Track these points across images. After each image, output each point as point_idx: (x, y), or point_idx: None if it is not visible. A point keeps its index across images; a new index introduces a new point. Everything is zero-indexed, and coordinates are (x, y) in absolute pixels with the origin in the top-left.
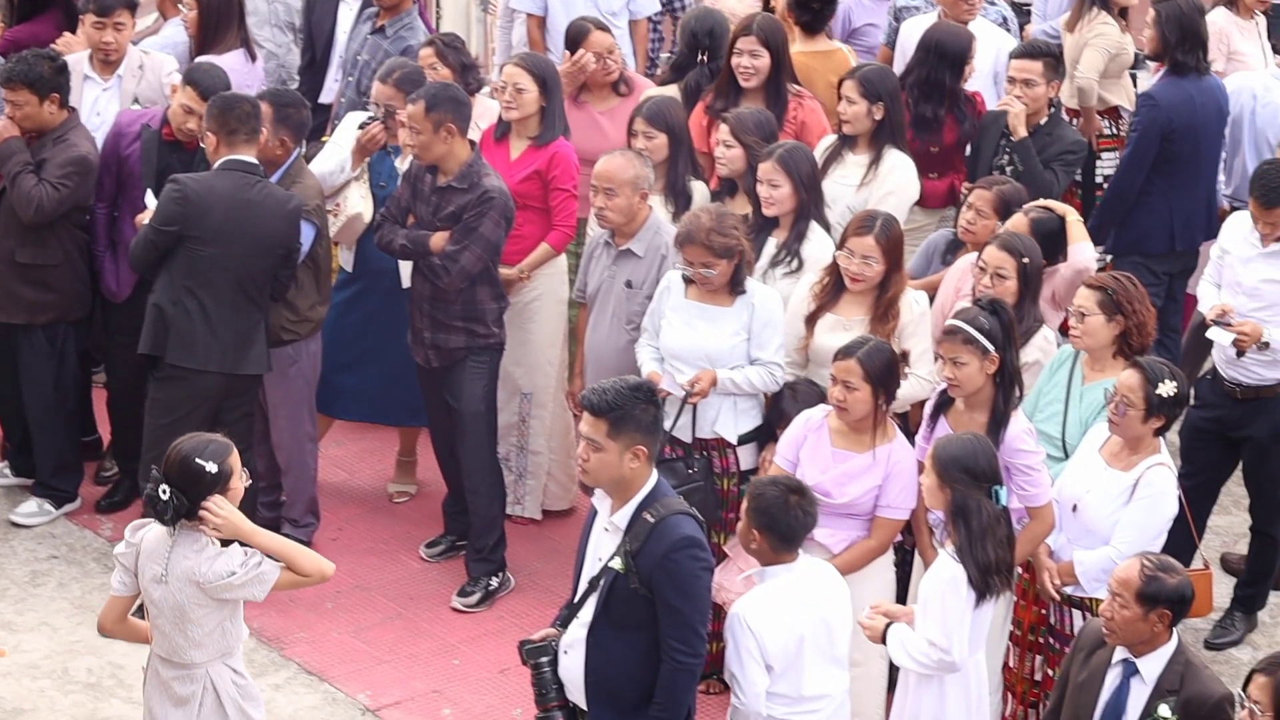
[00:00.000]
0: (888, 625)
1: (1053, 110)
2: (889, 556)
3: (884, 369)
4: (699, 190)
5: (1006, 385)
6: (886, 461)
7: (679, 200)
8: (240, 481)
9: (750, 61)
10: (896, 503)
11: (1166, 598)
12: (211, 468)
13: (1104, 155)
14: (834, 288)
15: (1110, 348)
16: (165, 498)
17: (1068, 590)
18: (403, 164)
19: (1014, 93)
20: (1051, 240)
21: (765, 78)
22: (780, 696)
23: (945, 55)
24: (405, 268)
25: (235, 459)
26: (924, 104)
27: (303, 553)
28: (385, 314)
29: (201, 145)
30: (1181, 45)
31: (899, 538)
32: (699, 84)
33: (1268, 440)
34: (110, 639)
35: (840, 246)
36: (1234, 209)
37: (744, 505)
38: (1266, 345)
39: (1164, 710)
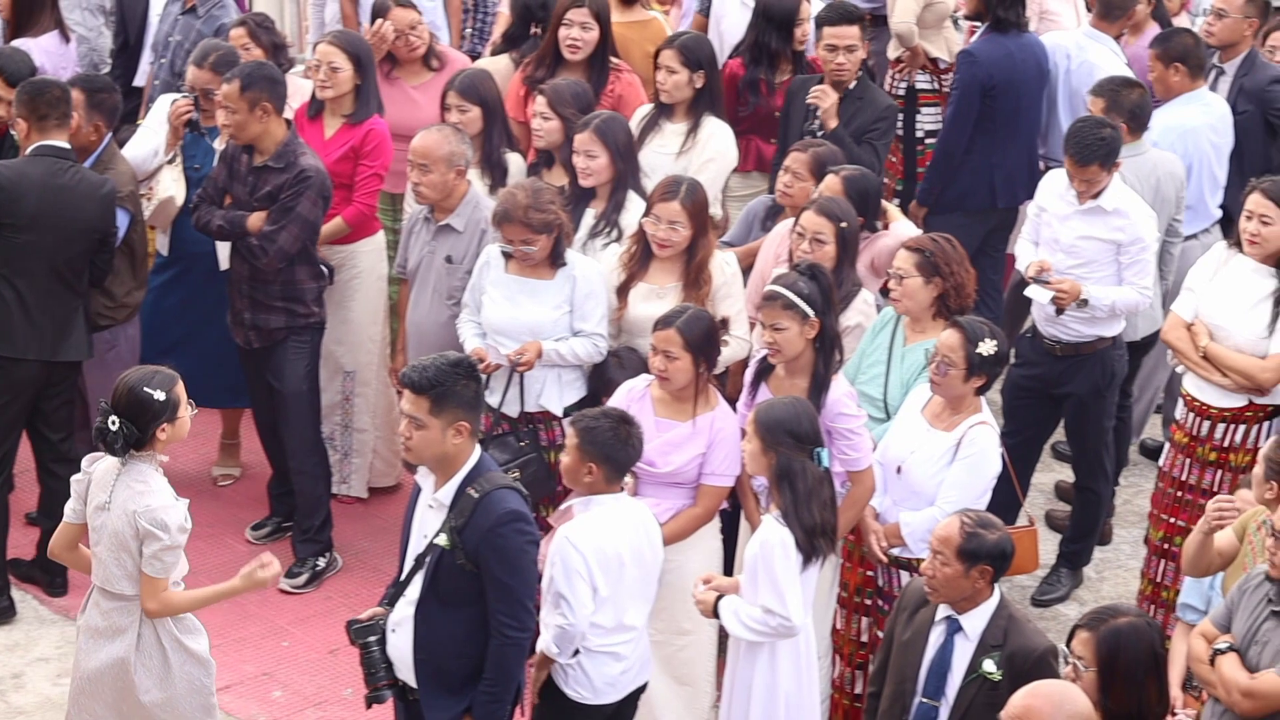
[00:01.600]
0: (718, 598)
1: (860, 74)
2: (715, 524)
3: (704, 337)
4: (515, 162)
5: (827, 350)
6: (709, 429)
7: (495, 173)
8: (187, 411)
9: (580, 34)
10: (721, 470)
11: (987, 554)
12: (159, 395)
13: (924, 110)
14: (642, 256)
15: (930, 309)
16: (115, 428)
17: (894, 552)
18: (221, 145)
19: (834, 61)
20: (865, 199)
21: (592, 51)
22: (597, 626)
23: (772, 19)
24: (223, 249)
25: (181, 389)
26: (754, 68)
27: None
28: (204, 296)
29: (12, 132)
30: (1002, 2)
31: (724, 505)
32: (526, 54)
33: (1088, 396)
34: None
35: (646, 213)
36: (1049, 168)
37: (570, 441)
38: (1085, 302)
39: (988, 666)
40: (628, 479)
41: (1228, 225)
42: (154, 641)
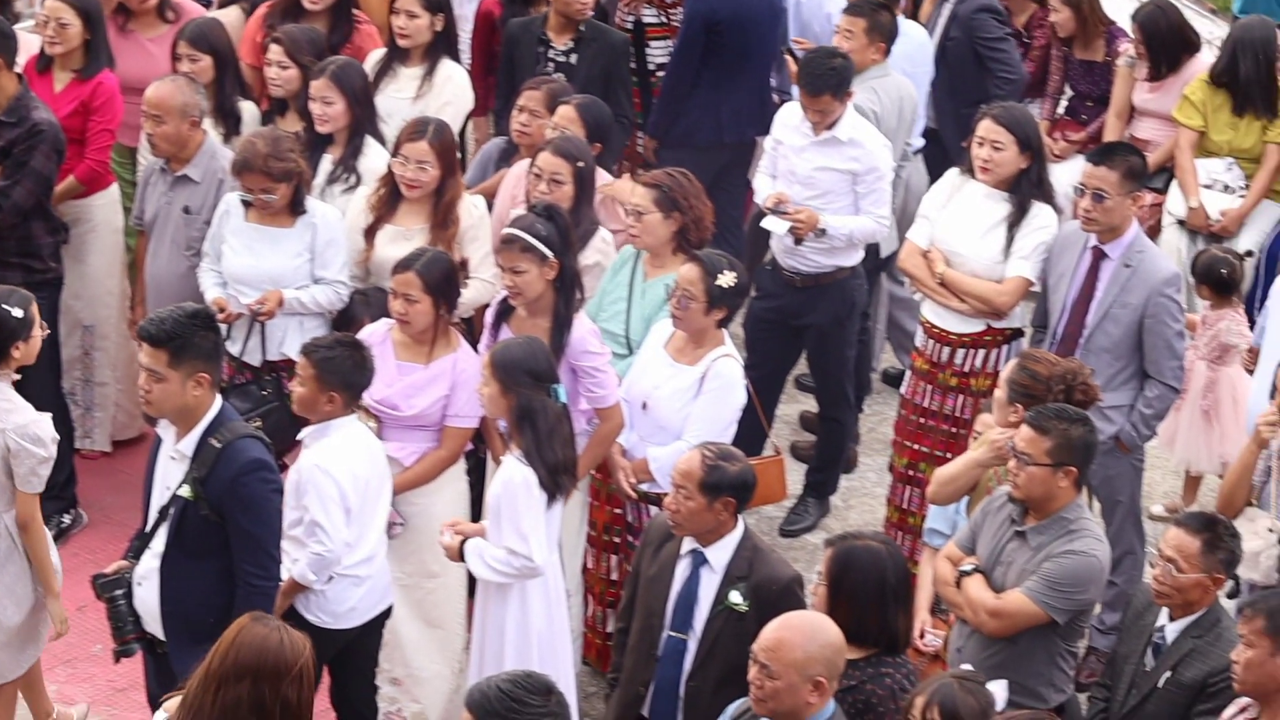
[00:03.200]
0: (463, 541)
1: (592, 14)
2: (461, 466)
3: (443, 279)
4: (248, 110)
5: (567, 289)
6: (452, 371)
7: (228, 121)
8: (39, 332)
9: None
10: (464, 411)
11: (729, 486)
12: (17, 313)
13: (652, 43)
14: (390, 198)
15: (669, 244)
16: None
17: (643, 487)
18: None
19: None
20: (601, 126)
21: (333, 1)
22: (349, 547)
23: None
24: None
25: (35, 308)
26: (511, 6)
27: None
28: None
29: None
30: None
31: (469, 446)
32: (256, 6)
33: (829, 327)
34: None
35: (394, 154)
36: (783, 102)
37: (306, 372)
38: (824, 232)
39: (735, 597)
40: (371, 423)
41: (932, 154)
42: (8, 549)
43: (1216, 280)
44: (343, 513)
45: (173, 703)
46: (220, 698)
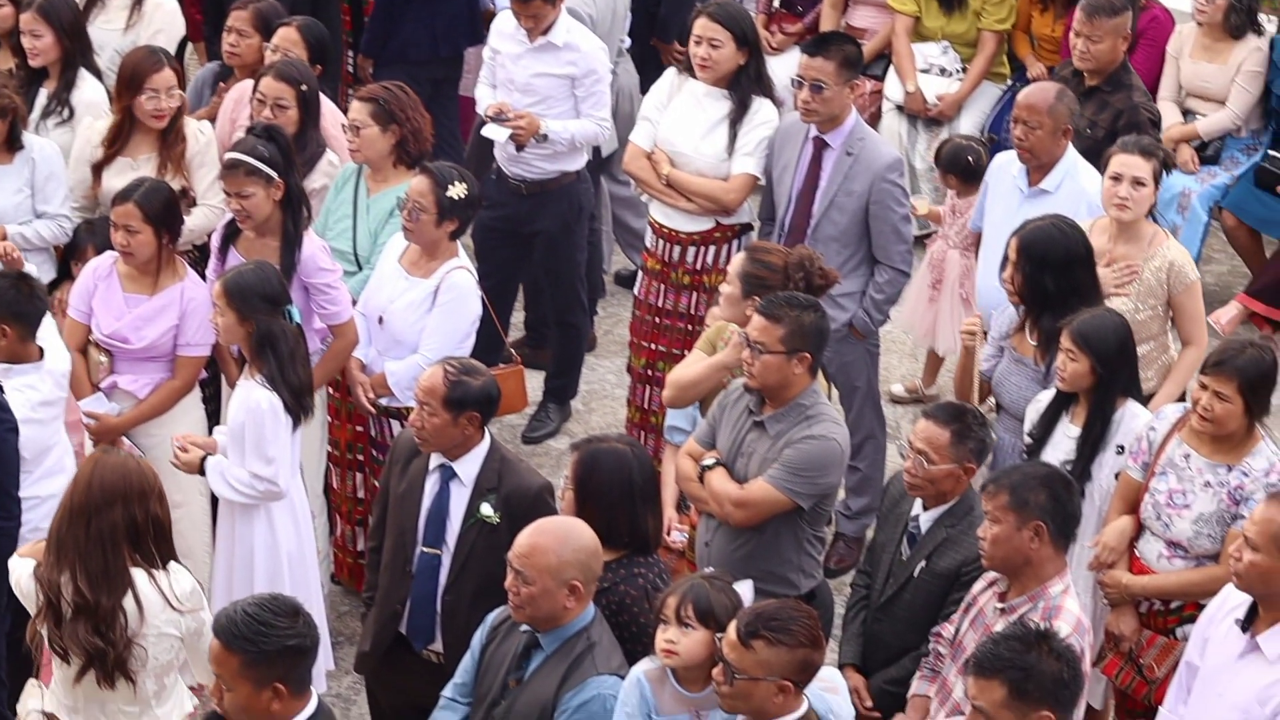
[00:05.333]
0: (203, 457)
1: None
2: (196, 394)
3: (163, 208)
4: None
5: (294, 208)
6: (180, 300)
7: None
8: None
9: None
10: (196, 340)
11: (474, 399)
12: None
13: None
14: (125, 131)
15: (389, 157)
16: None
17: (383, 402)
18: None
19: None
20: (323, 45)
21: None
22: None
23: None
24: None
25: None
26: None
27: None
28: None
29: None
30: None
31: (203, 374)
32: None
33: (558, 232)
34: None
35: (139, 89)
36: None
37: None
38: (545, 138)
39: (486, 509)
40: (102, 358)
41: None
42: None
43: (963, 168)
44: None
45: (31, 549)
46: (93, 528)
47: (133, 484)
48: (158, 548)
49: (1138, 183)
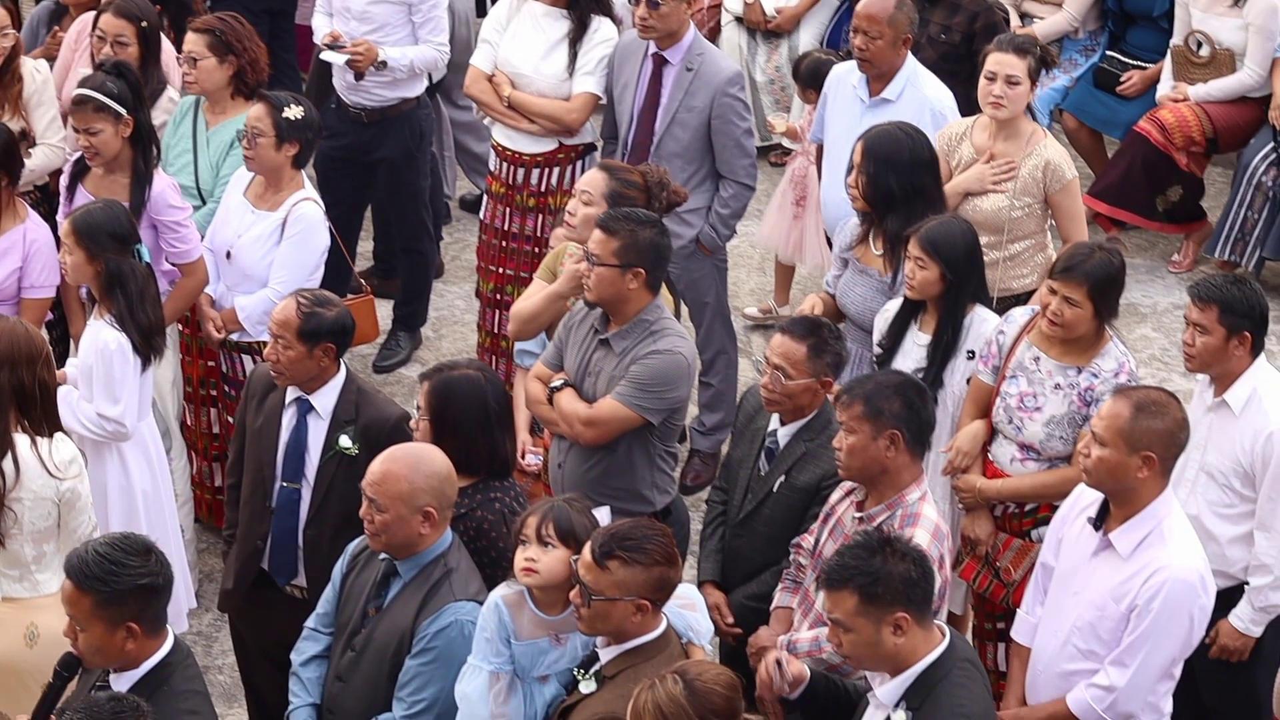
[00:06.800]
0: None
1: None
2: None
3: (2, 151)
4: None
5: (144, 145)
6: (23, 242)
7: None
8: None
9: None
10: (40, 281)
11: (328, 330)
12: None
13: None
14: None
15: (227, 89)
16: None
17: (233, 337)
18: None
19: None
20: None
21: None
22: None
23: None
24: None
25: None
26: None
27: None
28: None
29: None
30: None
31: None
32: None
33: (400, 160)
34: None
35: None
36: None
37: None
38: (385, 65)
39: (344, 441)
40: None
41: None
42: None
43: (822, 83)
44: None
45: None
46: None
47: (20, 349)
48: (45, 414)
49: (1011, 80)
